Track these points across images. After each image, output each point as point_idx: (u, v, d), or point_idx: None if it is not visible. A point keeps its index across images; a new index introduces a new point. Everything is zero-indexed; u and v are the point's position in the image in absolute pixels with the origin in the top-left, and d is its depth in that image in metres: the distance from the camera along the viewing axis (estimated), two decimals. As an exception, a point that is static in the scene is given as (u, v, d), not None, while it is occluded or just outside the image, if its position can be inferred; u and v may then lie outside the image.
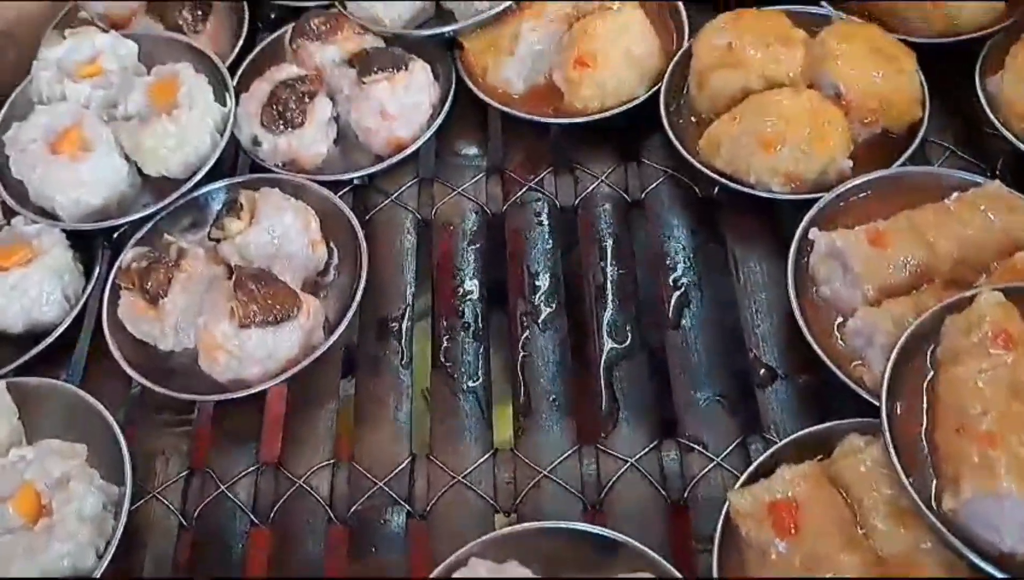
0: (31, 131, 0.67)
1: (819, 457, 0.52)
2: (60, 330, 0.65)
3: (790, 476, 0.51)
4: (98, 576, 0.54)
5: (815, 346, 0.57)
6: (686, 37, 0.73)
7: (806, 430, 0.54)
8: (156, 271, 0.63)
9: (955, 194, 0.61)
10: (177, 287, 0.63)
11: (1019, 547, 0.46)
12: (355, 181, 0.73)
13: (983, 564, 0.46)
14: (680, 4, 0.74)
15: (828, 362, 0.56)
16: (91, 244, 0.69)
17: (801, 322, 0.58)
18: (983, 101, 0.66)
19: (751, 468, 0.53)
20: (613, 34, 0.69)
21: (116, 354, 0.63)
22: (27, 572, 0.54)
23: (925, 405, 0.51)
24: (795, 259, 0.60)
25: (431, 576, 0.51)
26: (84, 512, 0.55)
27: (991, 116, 0.66)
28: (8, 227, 0.68)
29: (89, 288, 0.67)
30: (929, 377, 0.52)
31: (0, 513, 0.55)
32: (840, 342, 0.57)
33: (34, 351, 0.64)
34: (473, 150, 0.75)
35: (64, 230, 0.67)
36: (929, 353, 0.53)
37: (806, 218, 0.62)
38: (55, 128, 0.68)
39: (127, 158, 0.69)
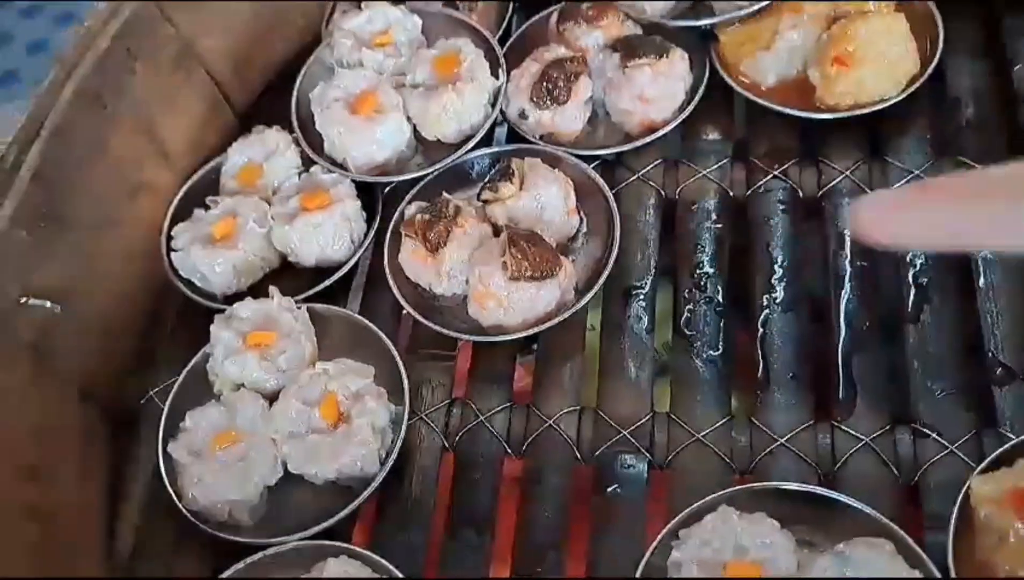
0: (334, 92, 0.77)
1: (1063, 457, 0.55)
2: (348, 267, 0.75)
3: (1035, 469, 0.54)
4: (379, 480, 0.64)
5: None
6: (940, 45, 0.75)
7: (1052, 430, 0.57)
8: (437, 224, 0.71)
9: None
10: (454, 241, 0.70)
11: None
12: (606, 157, 0.79)
13: None
14: (937, 14, 0.76)
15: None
16: (371, 194, 0.78)
17: (1050, 328, 0.61)
18: None
19: (992, 456, 0.56)
20: (872, 37, 0.72)
21: (395, 290, 0.72)
22: (327, 469, 0.63)
23: None
24: (1046, 267, 0.63)
25: (676, 520, 0.58)
26: (377, 424, 0.64)
27: None
28: (307, 174, 0.78)
29: (372, 233, 0.77)
30: None
31: (309, 415, 0.65)
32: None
33: (328, 281, 0.74)
34: (719, 137, 0.79)
35: (354, 181, 0.77)
36: None
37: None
38: (354, 91, 0.77)
39: (409, 121, 0.78)
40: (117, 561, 0.66)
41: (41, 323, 0.66)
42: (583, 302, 0.69)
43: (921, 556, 0.53)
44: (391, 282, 0.72)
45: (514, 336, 0.69)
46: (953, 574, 0.53)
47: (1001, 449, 0.56)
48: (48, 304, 0.66)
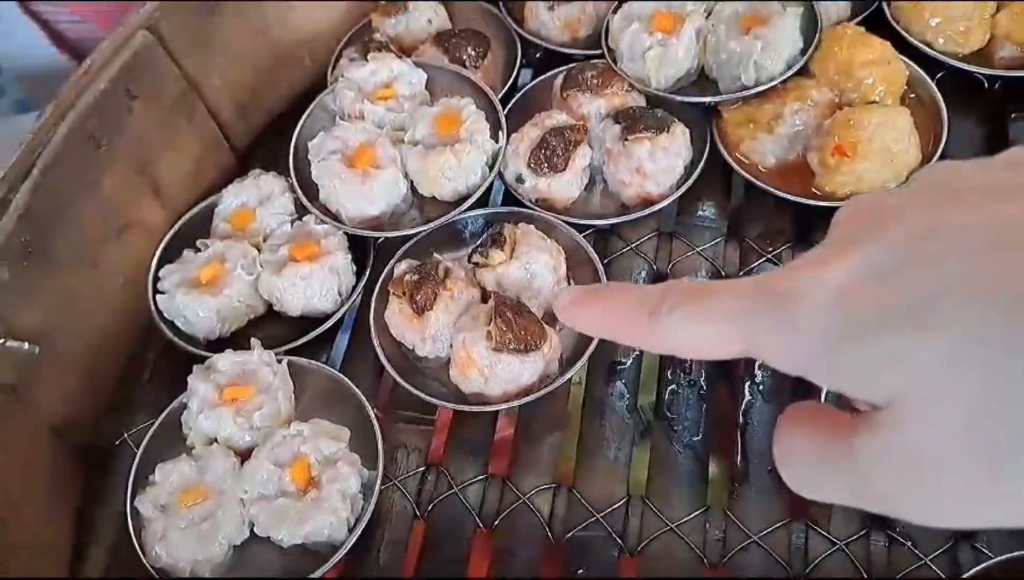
0: (332, 143, 0.77)
1: (1036, 585, 0.54)
2: (333, 321, 0.74)
3: (1007, 595, 0.53)
4: (346, 549, 0.63)
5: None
6: (943, 142, 0.74)
7: (1019, 553, 0.56)
8: (425, 286, 0.70)
9: None
10: (440, 304, 0.70)
11: None
12: (600, 227, 0.78)
13: None
14: (944, 110, 0.76)
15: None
16: (363, 246, 0.78)
17: None
18: None
19: (967, 576, 0.55)
20: (875, 129, 0.71)
21: (379, 350, 0.71)
22: (294, 533, 0.62)
23: None
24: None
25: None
26: (347, 491, 0.63)
27: None
28: (299, 222, 0.78)
29: (361, 285, 0.76)
30: None
31: (280, 476, 0.64)
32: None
33: (310, 335, 0.73)
34: (714, 214, 0.79)
35: (346, 234, 0.76)
36: None
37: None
38: (352, 144, 0.77)
39: (406, 177, 0.78)
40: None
41: (19, 364, 0.65)
42: (565, 378, 0.68)
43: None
44: (375, 340, 0.72)
45: (494, 407, 0.68)
46: None
47: (974, 571, 0.55)
48: (27, 345, 0.66)
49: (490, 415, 0.70)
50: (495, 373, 0.67)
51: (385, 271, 0.75)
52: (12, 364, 0.65)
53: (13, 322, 0.65)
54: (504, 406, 0.68)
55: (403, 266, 0.73)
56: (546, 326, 0.69)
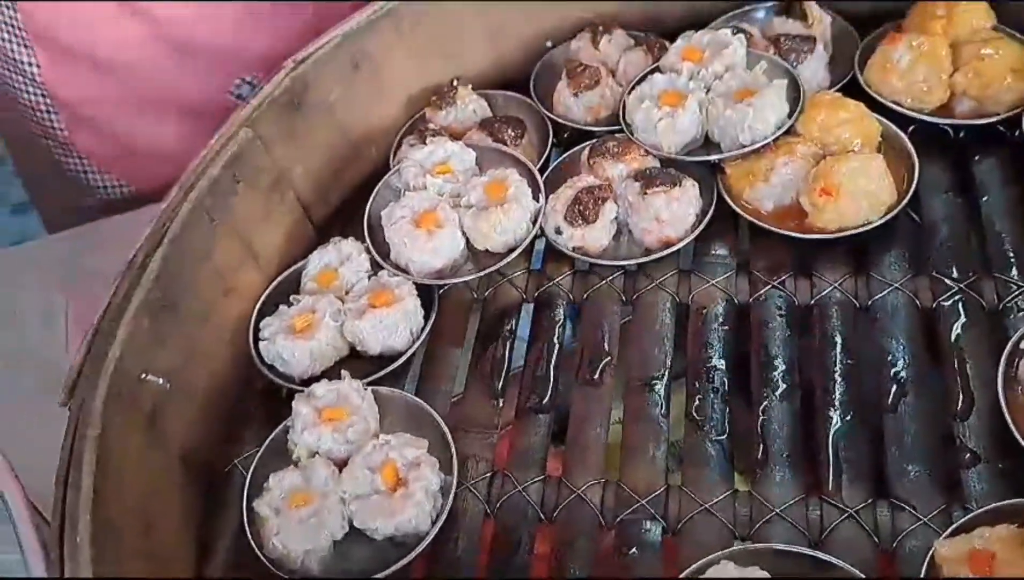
0: (401, 210, 0.92)
1: (1017, 524, 0.64)
2: (407, 355, 0.88)
3: (988, 534, 0.63)
4: (431, 537, 0.74)
5: (1016, 434, 0.69)
6: (915, 178, 0.88)
7: (1006, 501, 0.66)
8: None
9: None
10: (498, 334, 0.83)
11: None
12: (628, 267, 0.92)
13: None
14: (914, 155, 0.90)
15: (1026, 447, 0.69)
16: (430, 294, 0.92)
17: (1006, 414, 0.71)
18: None
19: (954, 526, 0.66)
20: (852, 173, 0.86)
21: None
22: (386, 524, 0.74)
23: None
24: (1006, 362, 0.73)
25: (686, 572, 0.67)
26: (430, 488, 0.75)
27: None
28: (375, 277, 0.92)
29: (427, 327, 0.90)
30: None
31: (372, 479, 0.76)
32: (1040, 434, 0.70)
33: (389, 368, 0.87)
34: (726, 252, 0.92)
35: (415, 283, 0.91)
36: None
37: (1019, 333, 0.75)
38: (418, 209, 0.92)
39: (463, 234, 0.92)
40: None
41: (154, 396, 0.79)
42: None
43: (891, 605, 0.62)
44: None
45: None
46: (921, 623, 0.62)
47: (961, 521, 0.66)
48: (161, 380, 0.80)
49: (544, 427, 0.82)
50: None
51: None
52: (149, 395, 0.79)
53: (149, 363, 0.80)
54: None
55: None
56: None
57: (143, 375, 0.78)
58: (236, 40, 1.22)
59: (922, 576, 0.64)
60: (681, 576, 0.67)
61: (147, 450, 0.78)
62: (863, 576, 0.64)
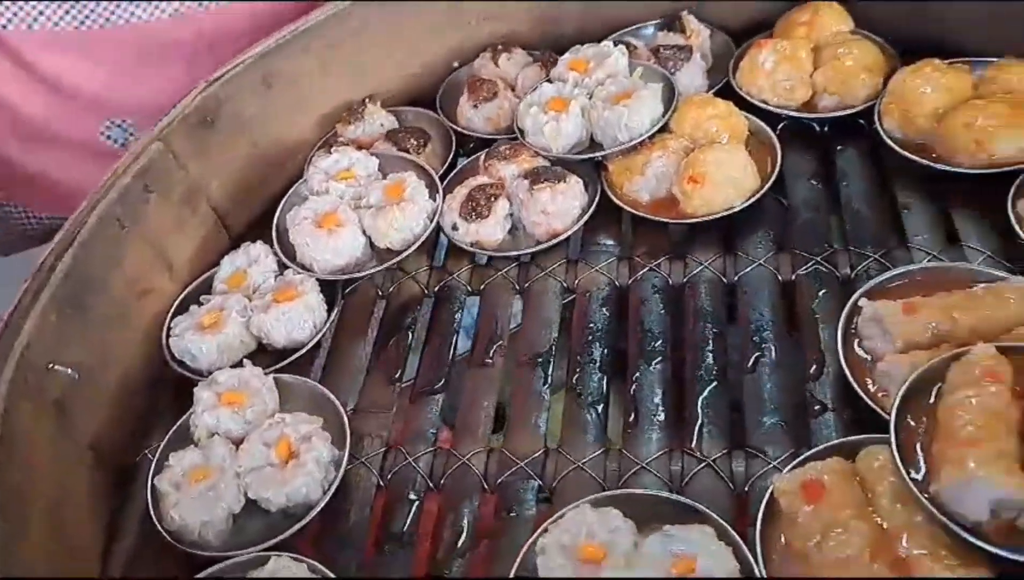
0: (304, 212, 0.98)
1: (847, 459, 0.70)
2: (309, 346, 0.93)
3: (821, 466, 0.69)
4: (322, 505, 0.79)
5: (854, 384, 0.75)
6: (778, 166, 0.96)
7: (839, 440, 0.72)
8: (379, 308, 0.89)
9: (983, 284, 0.79)
10: (392, 319, 0.89)
11: (983, 518, 0.62)
12: (521, 259, 0.99)
13: (957, 530, 0.62)
14: (778, 147, 0.98)
15: (862, 394, 0.74)
16: (332, 290, 0.98)
17: (845, 368, 0.77)
18: (1012, 219, 0.84)
19: (792, 464, 0.71)
20: (716, 162, 0.93)
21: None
22: (279, 493, 0.79)
23: (926, 424, 0.68)
24: (846, 322, 0.80)
25: (550, 520, 0.72)
26: (320, 459, 0.80)
27: (1019, 230, 0.84)
28: (281, 277, 0.98)
29: (330, 319, 0.95)
30: (932, 405, 0.69)
31: (267, 453, 0.81)
32: (872, 382, 0.76)
33: (292, 358, 0.92)
34: (610, 241, 0.99)
35: (317, 279, 0.96)
36: (935, 390, 0.70)
37: (858, 292, 0.81)
38: (320, 211, 0.98)
39: (364, 234, 0.99)
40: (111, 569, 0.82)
41: (62, 384, 0.84)
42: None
43: (733, 536, 0.67)
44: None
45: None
46: (758, 548, 0.67)
47: (799, 458, 0.71)
48: (69, 370, 0.85)
49: (438, 406, 0.88)
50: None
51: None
52: (58, 385, 0.84)
53: (57, 355, 0.84)
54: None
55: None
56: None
57: (50, 365, 0.83)
58: (108, 87, 1.23)
59: (762, 507, 0.69)
60: (546, 523, 0.71)
61: (57, 437, 0.82)
62: (707, 511, 0.69)
